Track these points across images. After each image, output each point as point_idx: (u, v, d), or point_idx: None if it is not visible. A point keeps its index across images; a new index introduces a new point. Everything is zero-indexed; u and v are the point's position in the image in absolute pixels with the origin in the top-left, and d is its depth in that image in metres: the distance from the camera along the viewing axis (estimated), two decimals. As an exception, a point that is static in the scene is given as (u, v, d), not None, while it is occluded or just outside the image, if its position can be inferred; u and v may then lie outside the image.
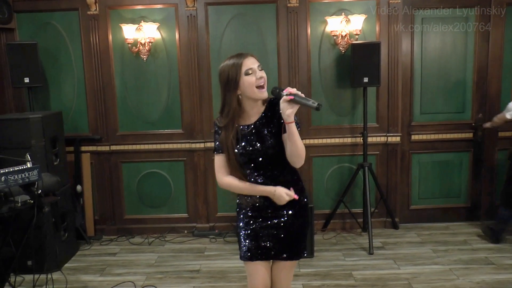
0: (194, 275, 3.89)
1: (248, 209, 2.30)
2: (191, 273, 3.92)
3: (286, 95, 1.96)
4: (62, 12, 4.56)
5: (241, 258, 2.34)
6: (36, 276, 3.43)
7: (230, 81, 2.11)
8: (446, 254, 4.13)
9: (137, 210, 4.87)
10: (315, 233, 4.41)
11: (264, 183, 2.20)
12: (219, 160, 2.28)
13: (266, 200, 2.24)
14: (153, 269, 4.02)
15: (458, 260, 3.98)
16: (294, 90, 1.96)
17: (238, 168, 2.22)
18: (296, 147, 2.03)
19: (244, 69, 2.10)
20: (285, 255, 2.29)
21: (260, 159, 2.18)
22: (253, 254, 2.29)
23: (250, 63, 2.11)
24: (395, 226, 4.78)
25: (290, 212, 2.26)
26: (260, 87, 2.11)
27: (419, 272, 3.78)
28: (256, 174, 2.22)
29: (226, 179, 2.27)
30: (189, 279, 3.82)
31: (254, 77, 2.10)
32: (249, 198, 2.28)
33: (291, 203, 2.24)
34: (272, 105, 2.19)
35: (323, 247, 4.37)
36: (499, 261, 3.93)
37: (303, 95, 1.96)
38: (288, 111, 1.95)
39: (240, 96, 2.15)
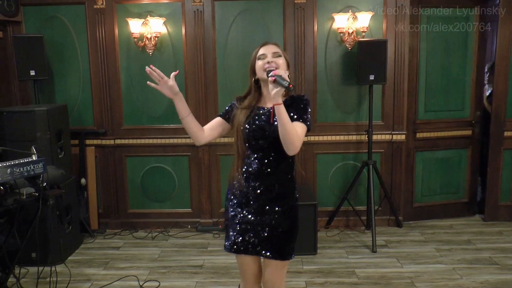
0: (197, 270, 3.90)
1: (236, 201, 2.31)
2: (194, 268, 3.93)
3: (271, 76, 2.02)
4: (68, 6, 4.56)
5: (225, 249, 2.36)
6: (40, 268, 3.45)
7: (251, 67, 2.29)
8: (449, 253, 4.12)
9: (141, 204, 4.88)
10: (319, 230, 4.40)
11: (257, 171, 2.23)
12: (214, 120, 2.41)
13: (254, 191, 2.25)
14: (156, 264, 4.03)
15: (462, 260, 3.97)
16: (278, 71, 2.03)
17: (242, 148, 2.27)
18: (284, 130, 2.04)
19: (258, 54, 2.25)
20: (268, 254, 2.28)
21: (262, 141, 2.21)
22: (238, 248, 2.31)
23: (266, 49, 2.24)
24: (398, 224, 4.77)
25: (277, 210, 2.26)
26: (268, 70, 2.15)
27: (422, 271, 3.77)
28: (254, 157, 2.24)
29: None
30: (192, 274, 3.83)
31: (264, 61, 2.20)
32: (238, 184, 2.30)
33: (280, 202, 2.25)
34: (293, 97, 2.25)
35: (326, 244, 4.37)
36: (503, 261, 3.91)
37: (285, 76, 2.00)
38: (273, 92, 2.00)
39: (259, 81, 2.28)
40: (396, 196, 4.78)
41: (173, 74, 2.16)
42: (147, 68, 2.12)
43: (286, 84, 1.96)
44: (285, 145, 2.08)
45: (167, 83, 2.15)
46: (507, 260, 3.95)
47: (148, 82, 2.21)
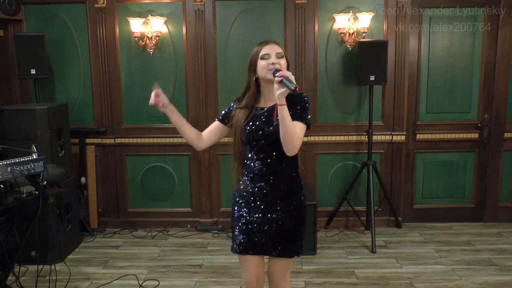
0: (196, 269, 3.90)
1: (243, 201, 2.31)
2: (194, 268, 3.93)
3: (277, 76, 2.01)
4: (69, 5, 4.56)
5: (232, 250, 2.37)
6: (40, 266, 3.45)
7: (251, 65, 2.27)
8: (448, 254, 4.13)
9: (141, 203, 4.88)
10: (318, 230, 4.41)
11: (261, 171, 2.23)
12: (212, 125, 2.45)
13: (260, 191, 2.25)
14: (156, 263, 4.04)
15: (461, 261, 3.98)
16: (285, 73, 2.02)
17: (241, 150, 2.28)
18: (285, 130, 2.04)
19: (261, 53, 2.22)
20: (276, 252, 2.29)
21: (262, 141, 2.21)
22: (244, 248, 2.31)
23: (269, 49, 2.22)
24: (398, 225, 4.77)
25: (284, 209, 2.26)
26: (274, 70, 2.14)
27: (421, 272, 3.78)
28: (256, 157, 2.24)
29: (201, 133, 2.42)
30: (192, 273, 3.83)
31: (268, 61, 2.18)
32: (243, 185, 2.30)
33: (287, 201, 2.26)
34: (292, 96, 2.21)
35: (325, 244, 4.38)
36: (502, 263, 3.92)
37: (292, 78, 1.99)
38: (277, 92, 1.99)
39: (259, 80, 2.26)
40: (396, 197, 4.78)
41: (155, 88, 2.23)
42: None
43: (293, 87, 1.94)
44: (284, 145, 2.09)
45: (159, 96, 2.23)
46: (506, 261, 3.95)
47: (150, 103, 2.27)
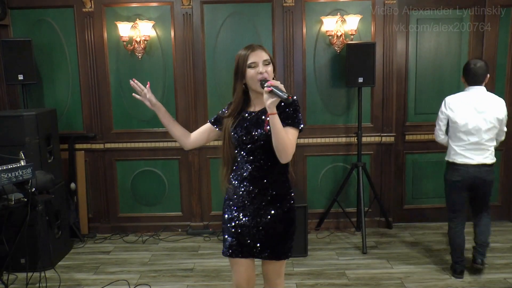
0: (188, 273, 3.90)
1: (233, 204, 2.32)
2: (185, 272, 3.93)
3: (267, 86, 2.01)
4: (57, 9, 4.54)
5: (223, 253, 2.38)
6: (29, 274, 3.43)
7: (238, 71, 2.26)
8: (439, 253, 4.16)
9: (131, 208, 4.86)
10: (309, 232, 4.42)
11: (250, 175, 2.24)
12: (203, 126, 2.50)
13: (249, 194, 2.26)
14: (147, 268, 4.02)
15: (451, 260, 4.00)
16: (274, 82, 2.02)
17: (228, 154, 2.32)
18: (277, 139, 2.05)
19: (248, 62, 2.20)
20: (265, 255, 2.31)
21: (251, 145, 2.21)
22: (234, 251, 2.32)
23: (255, 56, 2.20)
24: (388, 225, 4.80)
25: (273, 213, 2.27)
26: (262, 81, 2.14)
27: (412, 272, 3.81)
28: (245, 160, 2.25)
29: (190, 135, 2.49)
30: (183, 277, 3.82)
31: (256, 70, 2.18)
32: (233, 188, 2.32)
33: (276, 205, 2.26)
34: (280, 102, 2.22)
35: (316, 246, 4.39)
36: (491, 261, 3.96)
37: (281, 87, 2.00)
38: (268, 102, 2.00)
39: (246, 85, 2.27)
40: (386, 198, 4.82)
41: (147, 86, 2.40)
42: (131, 82, 2.39)
43: (285, 96, 1.93)
44: (278, 153, 2.09)
45: (146, 95, 2.37)
46: (495, 259, 4.00)
47: (133, 94, 2.46)
